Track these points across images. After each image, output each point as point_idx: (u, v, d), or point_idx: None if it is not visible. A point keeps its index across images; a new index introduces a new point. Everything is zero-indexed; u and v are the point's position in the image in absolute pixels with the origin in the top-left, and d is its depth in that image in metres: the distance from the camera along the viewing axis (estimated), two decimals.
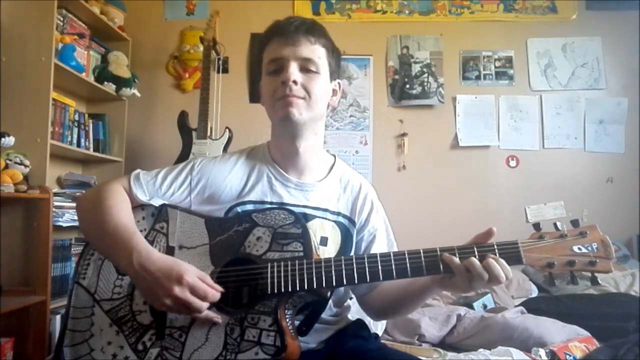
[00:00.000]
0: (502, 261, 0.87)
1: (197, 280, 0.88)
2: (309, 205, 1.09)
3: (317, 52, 1.07)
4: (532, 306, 2.15)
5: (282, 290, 0.91)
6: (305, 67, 1.06)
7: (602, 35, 3.08)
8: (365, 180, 1.20)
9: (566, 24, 3.12)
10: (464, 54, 3.14)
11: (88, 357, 0.97)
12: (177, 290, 0.86)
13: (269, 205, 1.07)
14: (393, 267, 0.91)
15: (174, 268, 0.88)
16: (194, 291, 0.87)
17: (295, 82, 1.04)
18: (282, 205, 1.06)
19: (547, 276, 0.92)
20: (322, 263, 0.92)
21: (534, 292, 2.52)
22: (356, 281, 0.92)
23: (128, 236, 0.95)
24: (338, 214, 1.11)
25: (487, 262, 0.87)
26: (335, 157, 1.20)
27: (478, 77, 3.13)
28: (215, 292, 0.89)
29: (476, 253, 0.89)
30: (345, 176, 1.17)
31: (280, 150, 1.13)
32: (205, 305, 0.89)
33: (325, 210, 1.10)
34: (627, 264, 2.72)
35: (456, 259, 0.88)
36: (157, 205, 1.07)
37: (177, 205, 1.07)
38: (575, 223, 0.90)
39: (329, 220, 1.09)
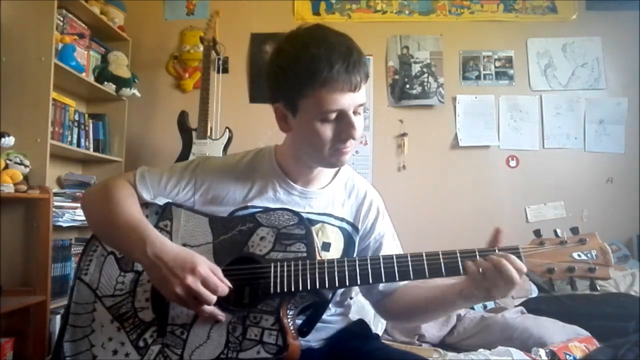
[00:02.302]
0: (512, 257, 0.87)
1: (210, 273, 0.89)
2: (312, 211, 1.08)
3: (364, 90, 0.99)
4: (532, 306, 2.15)
5: (285, 290, 0.91)
6: (357, 111, 0.99)
7: (602, 35, 3.08)
8: (372, 187, 1.19)
9: (566, 24, 3.11)
10: (464, 54, 3.14)
11: (88, 352, 0.97)
12: (190, 280, 0.87)
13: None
14: (395, 269, 0.91)
15: (188, 258, 0.90)
16: (205, 283, 0.88)
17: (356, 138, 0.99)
18: None
19: (547, 282, 0.93)
20: (325, 264, 0.93)
21: (534, 292, 2.52)
22: (359, 282, 0.93)
23: (141, 227, 0.95)
24: (342, 219, 1.10)
25: (491, 259, 0.87)
26: None
27: (478, 77, 3.13)
28: (225, 286, 0.90)
29: (477, 256, 0.89)
30: (350, 181, 1.16)
31: (292, 165, 1.10)
32: (214, 298, 0.89)
33: (329, 215, 1.09)
34: (627, 264, 2.72)
35: (473, 265, 0.88)
36: (161, 204, 1.07)
37: (181, 204, 1.08)
38: (575, 230, 0.92)
39: (333, 225, 1.09)
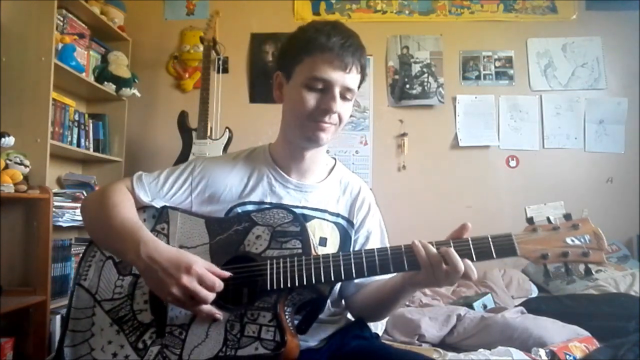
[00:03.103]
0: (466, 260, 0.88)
1: (205, 271, 0.90)
2: (307, 206, 1.10)
3: (357, 81, 1.06)
4: (532, 306, 2.15)
5: (282, 286, 0.92)
6: (344, 95, 1.04)
7: (602, 35, 3.08)
8: (365, 184, 1.21)
9: (566, 24, 3.12)
10: (464, 54, 3.14)
11: (88, 356, 0.97)
12: (186, 280, 0.88)
13: (268, 205, 1.08)
14: (390, 260, 0.91)
15: (182, 258, 0.90)
16: (201, 281, 0.89)
17: (336, 112, 1.03)
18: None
19: (542, 269, 0.92)
20: (321, 259, 0.93)
21: (534, 292, 2.52)
22: (354, 275, 0.93)
23: (134, 230, 0.96)
24: (337, 215, 1.12)
25: (444, 250, 0.87)
26: (335, 160, 1.22)
27: (478, 77, 3.13)
28: (221, 282, 0.90)
29: (472, 248, 0.89)
30: (345, 179, 1.19)
31: (285, 154, 1.13)
32: (212, 296, 0.90)
33: (324, 211, 1.11)
34: (627, 264, 2.72)
35: (422, 251, 0.89)
36: (158, 206, 1.08)
37: (177, 207, 1.09)
38: (567, 217, 0.92)
39: (328, 221, 1.10)
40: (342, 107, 1.04)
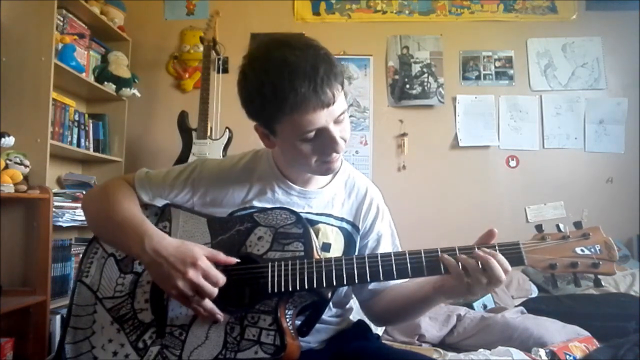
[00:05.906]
0: (500, 256, 0.86)
1: (211, 266, 0.90)
2: (312, 211, 1.08)
3: (342, 101, 0.95)
4: (532, 306, 2.15)
5: (283, 289, 0.91)
6: (338, 120, 0.95)
7: (602, 35, 3.08)
8: (372, 184, 1.18)
9: (566, 24, 3.12)
10: (464, 54, 3.14)
11: (89, 354, 0.98)
12: (192, 274, 0.88)
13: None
14: (393, 266, 0.91)
15: (187, 252, 0.90)
16: (206, 276, 0.89)
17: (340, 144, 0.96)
18: None
19: (549, 278, 0.91)
20: (323, 263, 0.92)
21: (534, 292, 2.52)
22: (356, 281, 0.92)
23: (138, 224, 0.96)
24: (342, 219, 1.10)
25: (484, 259, 0.85)
26: (341, 161, 1.17)
27: (478, 77, 3.13)
28: (225, 278, 0.91)
29: (457, 252, 0.88)
30: (350, 180, 1.15)
31: (290, 169, 1.09)
32: (216, 291, 0.90)
33: (329, 215, 1.09)
34: (627, 264, 2.72)
35: (452, 260, 0.87)
36: (159, 205, 1.08)
37: (180, 205, 1.08)
38: (578, 225, 0.90)
39: (333, 225, 1.08)
40: (342, 131, 0.96)
